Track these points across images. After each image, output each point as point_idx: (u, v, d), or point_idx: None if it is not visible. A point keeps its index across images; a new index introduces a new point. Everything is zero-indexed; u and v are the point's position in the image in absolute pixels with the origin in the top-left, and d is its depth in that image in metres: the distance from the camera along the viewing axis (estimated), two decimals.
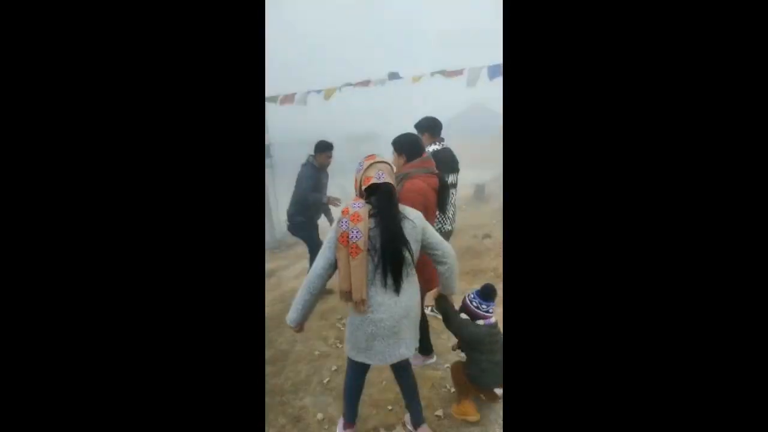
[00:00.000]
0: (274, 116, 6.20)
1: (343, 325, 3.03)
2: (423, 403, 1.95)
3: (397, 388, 1.91)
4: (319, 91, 5.02)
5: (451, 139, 2.81)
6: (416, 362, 2.38)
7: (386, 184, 1.55)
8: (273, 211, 6.40)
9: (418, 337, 1.74)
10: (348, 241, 1.48)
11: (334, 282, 1.62)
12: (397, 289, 1.55)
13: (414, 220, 1.57)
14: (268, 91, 5.84)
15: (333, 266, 1.58)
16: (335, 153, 3.47)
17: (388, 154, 2.01)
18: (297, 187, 3.42)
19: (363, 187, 1.57)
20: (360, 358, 1.66)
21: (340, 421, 1.94)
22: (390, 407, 2.14)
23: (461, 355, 2.18)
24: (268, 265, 5.05)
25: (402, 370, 1.81)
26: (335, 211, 3.07)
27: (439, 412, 2.06)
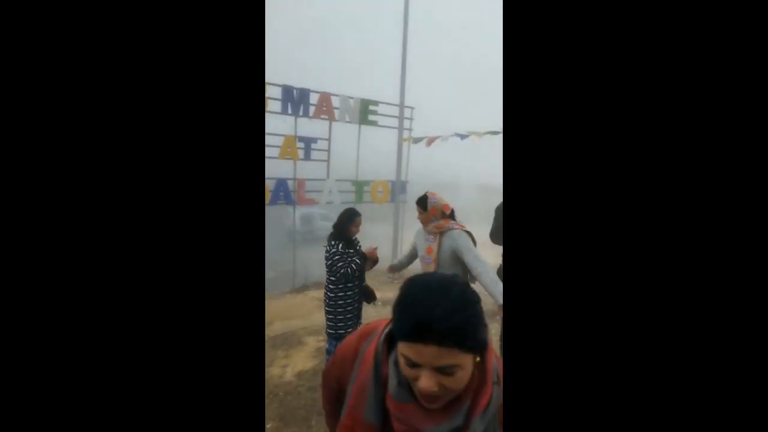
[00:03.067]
0: (414, 156, 6.60)
1: None
2: None
3: None
4: (463, 136, 5.19)
5: None
6: None
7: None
8: (399, 243, 6.67)
9: None
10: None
11: None
12: None
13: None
14: (414, 132, 6.24)
15: None
16: (463, 197, 3.43)
17: None
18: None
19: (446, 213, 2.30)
20: None
21: None
22: None
23: None
24: (385, 295, 5.19)
25: None
26: None
27: None
